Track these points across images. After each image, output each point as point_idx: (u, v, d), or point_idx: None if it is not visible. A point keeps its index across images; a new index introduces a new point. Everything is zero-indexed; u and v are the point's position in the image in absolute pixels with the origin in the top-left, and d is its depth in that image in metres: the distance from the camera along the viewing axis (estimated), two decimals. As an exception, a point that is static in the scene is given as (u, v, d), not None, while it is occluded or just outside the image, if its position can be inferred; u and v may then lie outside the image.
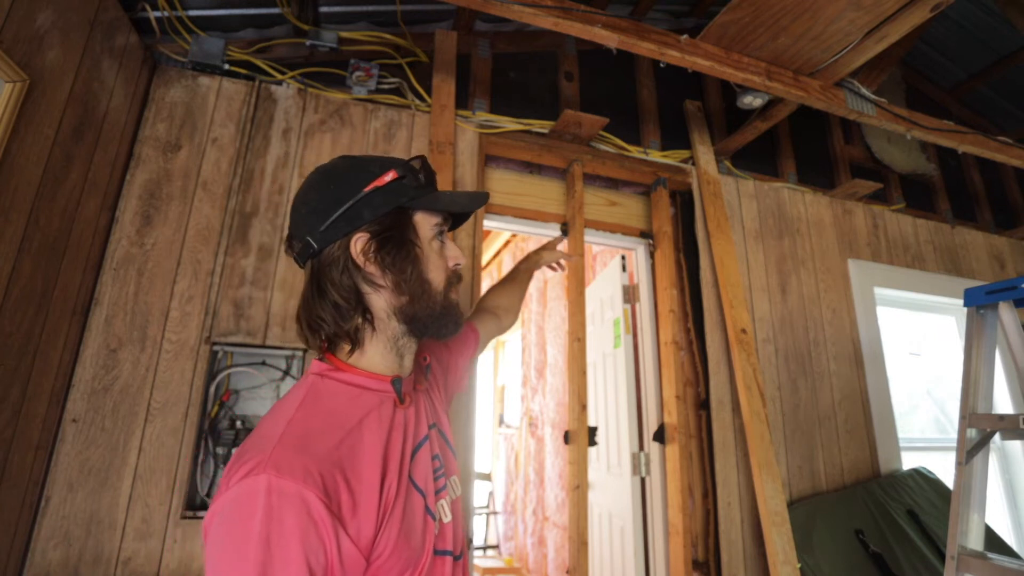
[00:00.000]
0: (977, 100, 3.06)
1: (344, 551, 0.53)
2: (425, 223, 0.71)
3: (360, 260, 0.66)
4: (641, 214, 2.20)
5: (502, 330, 1.18)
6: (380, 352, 0.70)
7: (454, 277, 0.73)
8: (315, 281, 0.68)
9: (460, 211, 0.74)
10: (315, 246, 0.67)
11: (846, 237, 2.45)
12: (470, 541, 1.60)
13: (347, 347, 0.69)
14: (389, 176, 0.67)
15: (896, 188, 2.75)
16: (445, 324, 0.71)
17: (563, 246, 1.72)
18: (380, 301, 0.69)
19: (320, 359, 0.70)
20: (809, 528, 1.80)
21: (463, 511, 0.81)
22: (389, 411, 0.67)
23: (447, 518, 0.70)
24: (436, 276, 0.70)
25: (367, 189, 0.66)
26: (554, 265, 1.32)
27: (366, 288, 0.68)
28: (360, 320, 0.68)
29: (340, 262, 0.66)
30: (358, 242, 0.66)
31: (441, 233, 0.72)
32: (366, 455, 0.60)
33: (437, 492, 0.70)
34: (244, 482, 0.51)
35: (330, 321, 0.67)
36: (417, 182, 0.69)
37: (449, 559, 0.68)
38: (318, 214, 0.67)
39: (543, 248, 1.30)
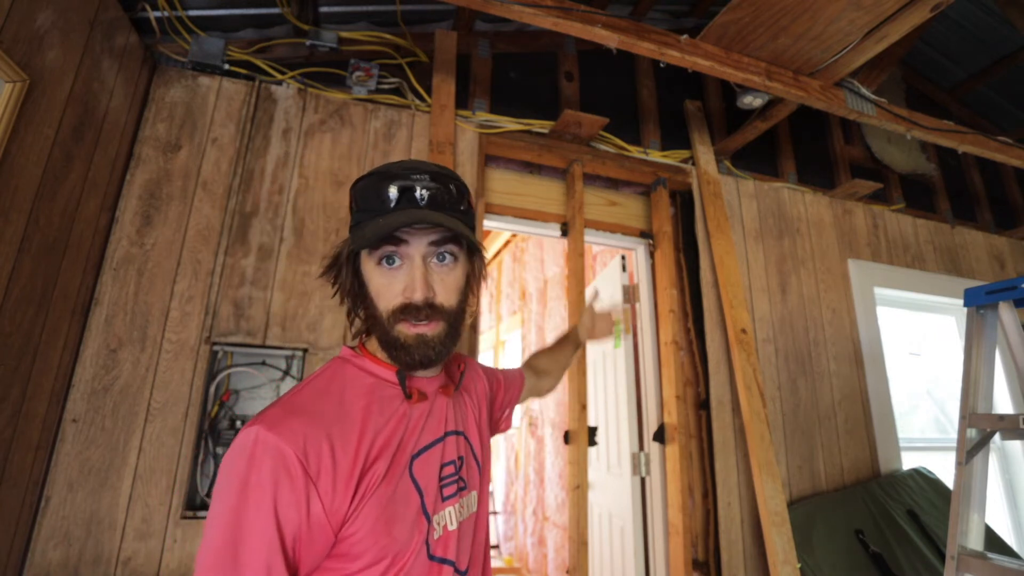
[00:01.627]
0: (977, 100, 3.06)
1: (313, 513, 0.56)
2: (369, 258, 0.68)
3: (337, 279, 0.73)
4: (641, 214, 2.20)
5: (539, 392, 1.19)
6: (379, 347, 0.72)
7: (402, 309, 0.66)
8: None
9: (366, 246, 0.66)
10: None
11: (846, 237, 2.45)
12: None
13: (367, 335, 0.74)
14: (351, 200, 0.72)
15: (896, 188, 2.76)
16: (396, 353, 0.67)
17: (616, 312, 1.58)
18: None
19: (352, 346, 0.74)
20: (809, 528, 1.80)
21: (481, 531, 0.79)
22: (397, 403, 0.69)
23: (452, 526, 0.70)
24: (380, 304, 0.67)
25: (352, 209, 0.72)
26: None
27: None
28: (361, 317, 0.73)
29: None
30: (323, 272, 0.75)
31: (386, 260, 0.66)
32: (357, 432, 0.62)
33: (445, 498, 0.70)
34: (241, 433, 0.58)
35: (353, 308, 0.74)
36: (361, 208, 0.68)
37: (450, 569, 0.68)
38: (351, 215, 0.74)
39: (590, 320, 1.29)
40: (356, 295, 0.70)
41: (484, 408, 0.89)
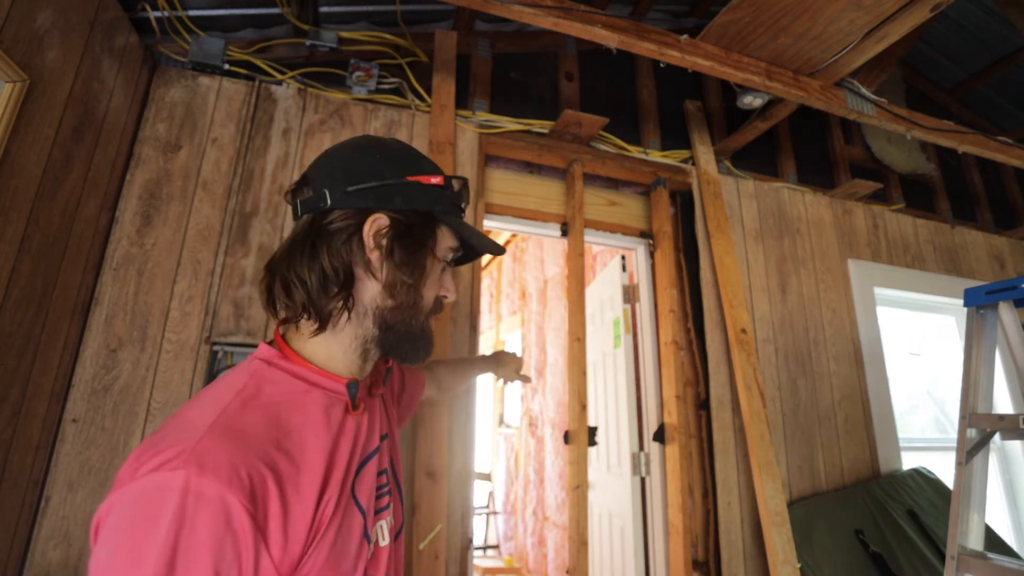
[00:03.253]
0: (977, 100, 3.06)
1: (261, 570, 0.45)
2: (444, 241, 0.67)
3: (369, 242, 0.60)
4: (641, 214, 2.20)
5: (433, 402, 1.17)
6: (344, 346, 0.63)
7: (437, 306, 0.69)
8: (309, 239, 0.60)
9: (476, 248, 0.71)
10: (327, 203, 0.61)
11: (846, 237, 2.45)
12: (471, 541, 1.60)
13: (310, 328, 0.61)
14: (435, 179, 0.64)
15: (896, 188, 2.76)
16: (416, 347, 0.65)
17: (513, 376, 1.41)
18: (367, 294, 0.62)
19: (269, 342, 0.62)
20: (809, 528, 1.80)
21: (402, 542, 0.75)
22: (339, 415, 0.59)
23: (383, 541, 0.64)
24: (428, 296, 0.66)
25: (410, 179, 0.63)
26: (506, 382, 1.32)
27: (360, 273, 0.61)
28: (340, 303, 0.60)
29: (346, 233, 0.60)
30: (376, 221, 0.61)
31: (450, 258, 0.69)
32: (307, 462, 0.52)
33: (378, 512, 0.64)
34: (156, 475, 0.43)
35: (313, 288, 0.59)
36: (455, 199, 0.67)
37: None
38: (350, 174, 0.61)
39: (509, 362, 1.27)
40: (409, 274, 0.62)
41: (396, 402, 0.87)
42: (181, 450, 0.44)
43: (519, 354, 1.37)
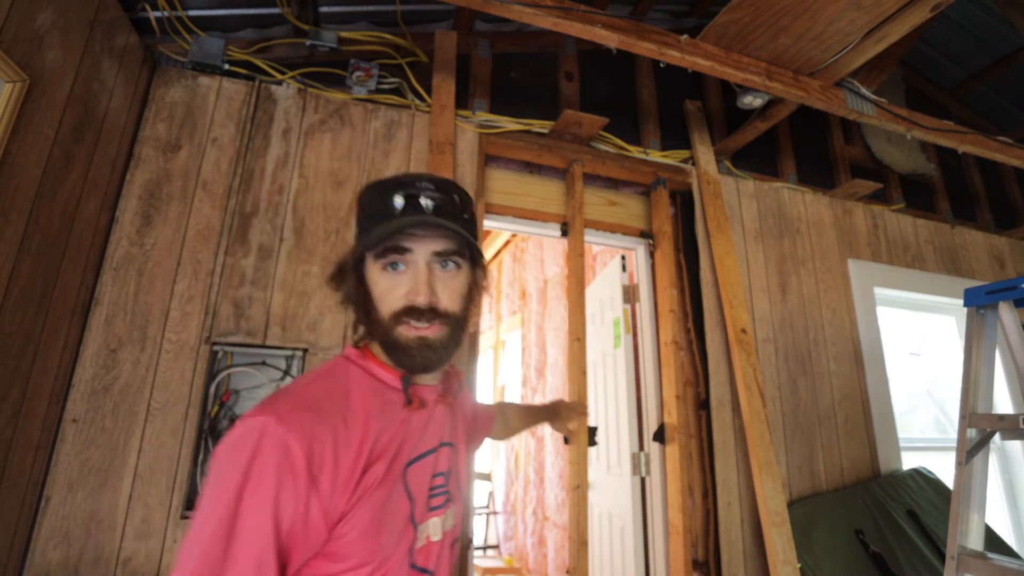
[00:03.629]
0: (977, 100, 3.06)
1: (311, 512, 0.56)
2: (371, 259, 0.69)
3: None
4: (641, 214, 2.20)
5: (495, 438, 1.23)
6: (382, 352, 0.72)
7: (404, 312, 0.67)
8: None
9: (386, 243, 0.67)
10: None
11: (846, 237, 2.45)
12: (471, 541, 1.60)
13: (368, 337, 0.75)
14: (357, 208, 0.73)
15: (896, 188, 2.75)
16: (398, 357, 0.68)
17: (574, 424, 1.66)
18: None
19: (356, 345, 0.74)
20: (809, 528, 1.80)
21: (456, 547, 0.80)
22: (398, 408, 0.69)
23: (436, 537, 0.70)
24: (383, 308, 0.68)
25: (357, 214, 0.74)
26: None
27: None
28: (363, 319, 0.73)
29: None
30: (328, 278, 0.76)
31: (391, 265, 0.68)
32: (360, 433, 0.62)
33: (432, 508, 0.71)
34: (248, 420, 0.57)
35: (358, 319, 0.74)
36: (365, 215, 0.71)
37: None
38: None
39: (566, 415, 1.38)
40: (360, 301, 0.70)
41: (468, 424, 0.92)
42: (266, 407, 0.59)
43: (573, 403, 1.46)
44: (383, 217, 0.68)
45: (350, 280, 0.71)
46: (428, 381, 0.75)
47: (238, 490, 0.53)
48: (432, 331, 0.67)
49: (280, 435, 0.55)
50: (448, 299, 0.69)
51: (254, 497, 0.53)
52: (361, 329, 0.74)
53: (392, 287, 0.68)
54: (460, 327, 0.71)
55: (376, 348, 0.73)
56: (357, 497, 0.60)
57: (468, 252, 0.72)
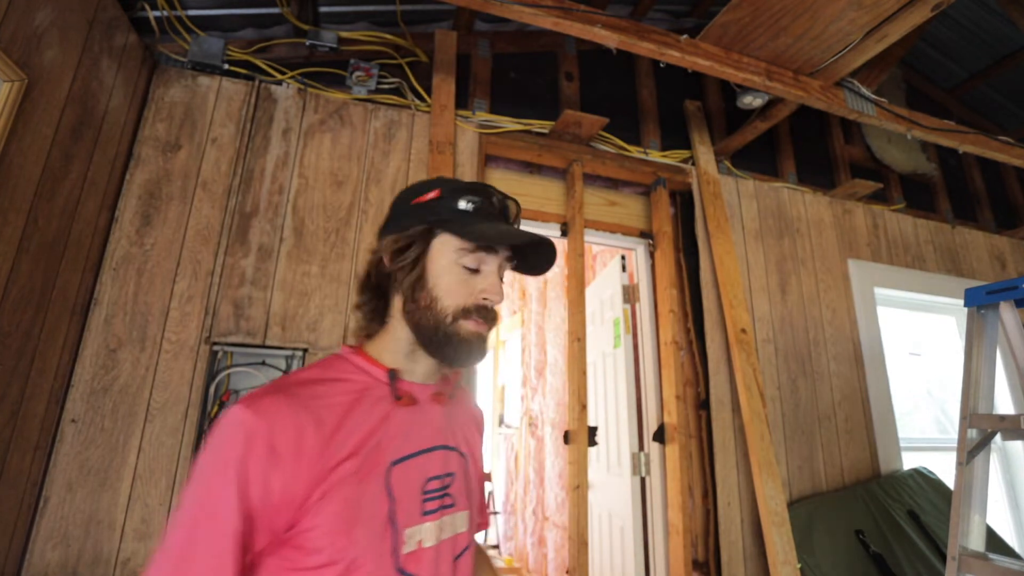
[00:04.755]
0: (978, 100, 3.06)
1: (272, 488, 0.57)
2: (447, 247, 0.71)
3: (387, 259, 0.74)
4: (641, 214, 2.20)
5: None
6: (389, 346, 0.74)
7: (475, 309, 0.70)
8: (367, 267, 0.77)
9: (489, 243, 0.71)
10: (378, 239, 0.77)
11: (846, 237, 2.45)
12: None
13: (376, 330, 0.76)
14: (431, 195, 0.73)
15: (896, 188, 2.75)
16: (445, 348, 0.70)
17: None
18: (396, 303, 0.75)
19: (351, 345, 0.76)
20: (809, 528, 1.79)
21: (468, 554, 0.76)
22: (386, 405, 0.69)
23: (428, 543, 0.68)
24: (448, 298, 0.70)
25: (413, 203, 0.74)
26: None
27: (385, 285, 0.76)
28: (382, 307, 0.75)
29: (377, 257, 0.75)
30: (388, 244, 0.74)
31: (474, 263, 0.71)
32: (334, 424, 0.63)
33: (425, 513, 0.68)
34: (229, 410, 0.60)
35: (366, 301, 0.76)
36: (454, 206, 0.72)
37: None
38: (387, 215, 0.78)
39: None
40: (414, 280, 0.71)
41: (474, 433, 0.87)
42: (248, 395, 0.62)
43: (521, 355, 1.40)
44: (488, 216, 0.72)
45: (411, 254, 0.71)
46: (421, 379, 0.75)
47: (208, 472, 0.57)
48: (487, 329, 0.72)
49: (245, 418, 0.58)
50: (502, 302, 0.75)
51: (221, 476, 0.56)
52: (354, 320, 0.75)
53: (466, 281, 0.71)
54: None
55: (374, 345, 0.75)
56: (324, 489, 0.60)
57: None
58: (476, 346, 0.71)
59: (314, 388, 0.65)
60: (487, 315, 0.71)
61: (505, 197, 0.76)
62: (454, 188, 0.73)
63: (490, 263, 0.72)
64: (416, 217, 0.73)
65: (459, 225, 0.71)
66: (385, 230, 0.76)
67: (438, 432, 0.75)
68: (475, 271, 0.72)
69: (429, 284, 0.71)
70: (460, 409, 0.85)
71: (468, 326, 0.70)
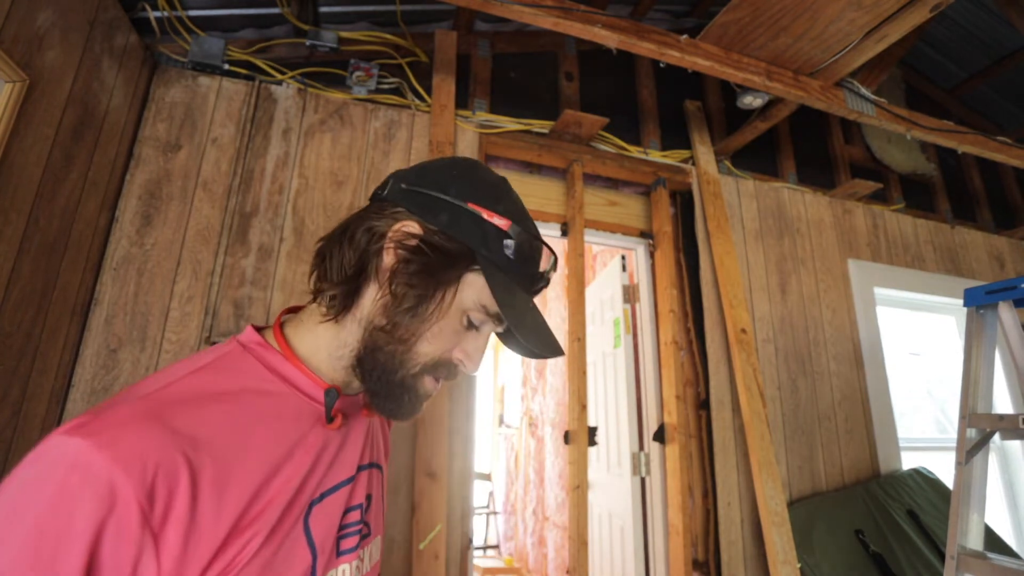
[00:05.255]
0: (977, 100, 3.06)
1: None
2: (471, 290, 0.55)
3: (391, 241, 0.53)
4: (641, 214, 2.20)
5: None
6: (331, 345, 0.56)
7: (443, 368, 0.56)
8: (355, 218, 0.57)
9: (509, 336, 0.58)
10: (384, 192, 0.58)
11: (846, 237, 2.45)
12: (471, 541, 1.60)
13: (317, 312, 0.56)
14: (499, 221, 0.54)
15: (896, 188, 2.76)
16: (388, 397, 0.54)
17: None
18: (368, 298, 0.55)
19: (260, 328, 0.56)
20: (809, 528, 1.80)
21: None
22: (307, 425, 0.52)
23: None
24: (431, 345, 0.54)
25: (471, 205, 0.54)
26: None
27: (370, 271, 0.55)
28: (345, 289, 0.55)
29: (377, 223, 0.54)
30: (408, 226, 0.53)
31: (479, 322, 0.57)
32: (247, 465, 0.45)
33: (342, 553, 0.54)
34: (60, 438, 0.38)
35: (332, 264, 0.55)
36: (514, 257, 0.55)
37: None
38: (419, 175, 0.57)
39: None
40: (414, 303, 0.53)
41: (384, 436, 0.73)
42: (93, 418, 0.39)
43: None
44: (530, 278, 0.57)
45: (438, 273, 0.53)
46: (355, 390, 0.59)
47: (23, 559, 0.35)
48: (430, 385, 0.58)
49: (99, 468, 0.37)
50: None
51: (58, 557, 0.35)
52: (312, 278, 0.57)
53: (457, 334, 0.56)
54: None
55: (306, 339, 0.56)
56: (226, 563, 0.42)
57: None
58: (421, 403, 0.57)
59: (205, 410, 0.45)
60: (449, 375, 0.57)
61: (554, 264, 0.60)
62: (523, 232, 0.56)
63: (488, 327, 0.58)
64: (465, 229, 0.54)
65: (503, 286, 0.54)
66: (409, 199, 0.55)
67: (361, 450, 0.60)
68: (473, 328, 0.57)
69: (422, 316, 0.53)
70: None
71: (428, 385, 0.56)
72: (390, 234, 0.53)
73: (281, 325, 0.57)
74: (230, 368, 0.50)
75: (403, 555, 1.46)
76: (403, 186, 0.56)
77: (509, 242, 0.54)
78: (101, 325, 1.40)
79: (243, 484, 0.44)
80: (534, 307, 0.59)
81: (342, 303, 0.54)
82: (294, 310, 0.60)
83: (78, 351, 1.37)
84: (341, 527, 0.54)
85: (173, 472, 0.40)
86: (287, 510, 0.47)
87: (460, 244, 0.53)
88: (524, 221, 0.57)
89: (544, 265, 0.59)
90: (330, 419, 0.53)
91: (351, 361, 0.55)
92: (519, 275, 0.56)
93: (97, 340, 1.38)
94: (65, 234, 1.27)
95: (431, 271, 0.53)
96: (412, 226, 0.53)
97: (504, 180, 0.61)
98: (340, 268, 0.54)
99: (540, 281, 0.59)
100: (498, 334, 0.62)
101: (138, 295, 1.44)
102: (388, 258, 0.53)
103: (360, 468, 0.58)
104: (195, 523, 0.40)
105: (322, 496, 0.51)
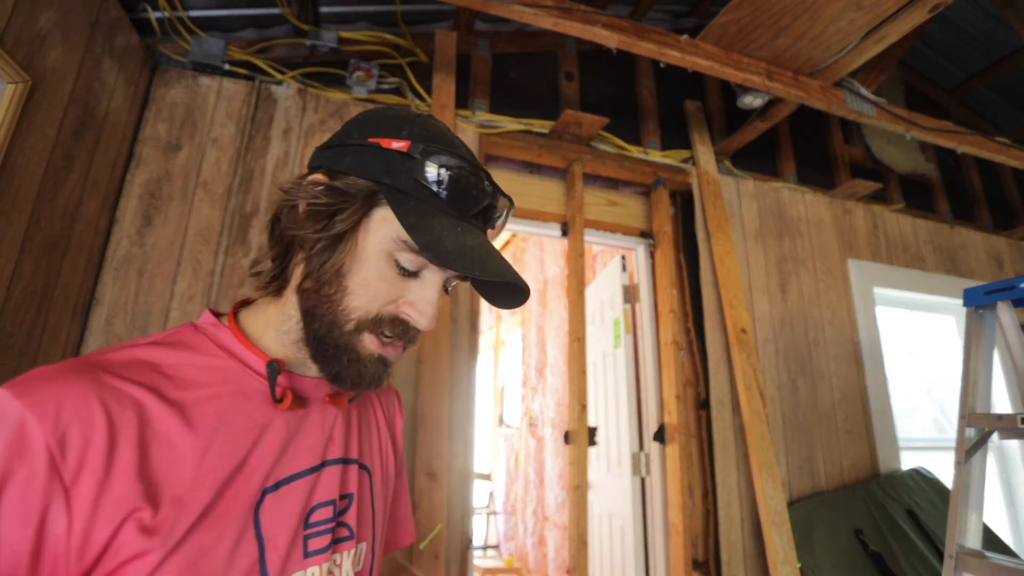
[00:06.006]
0: (976, 100, 3.06)
1: (48, 533, 0.37)
2: (387, 227, 0.49)
3: (302, 208, 0.51)
4: (641, 214, 2.20)
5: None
6: (276, 323, 0.53)
7: (389, 322, 0.50)
8: (276, 208, 0.55)
9: (442, 265, 0.48)
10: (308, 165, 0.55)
11: (846, 237, 2.45)
12: (471, 541, 1.61)
13: (268, 291, 0.55)
14: (397, 143, 0.49)
15: (896, 188, 2.76)
16: (331, 361, 0.50)
17: None
18: (297, 268, 0.53)
19: (216, 312, 0.55)
20: (809, 528, 1.80)
21: None
22: (254, 404, 0.50)
23: None
24: (360, 297, 0.49)
25: (371, 140, 0.51)
26: None
27: (295, 240, 0.53)
28: (274, 260, 0.54)
29: (295, 188, 0.52)
30: (313, 179, 0.51)
31: (413, 265, 0.51)
32: (179, 433, 0.43)
33: (310, 553, 0.50)
34: None
35: (273, 258, 0.54)
36: (421, 173, 0.49)
37: None
38: (333, 135, 0.55)
39: None
40: (325, 258, 0.50)
41: (387, 440, 0.67)
42: (21, 377, 0.40)
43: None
44: (462, 206, 0.51)
45: (339, 218, 0.49)
46: (316, 372, 0.54)
47: None
48: (396, 350, 0.53)
49: (13, 414, 0.37)
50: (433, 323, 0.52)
51: None
52: (260, 285, 0.55)
53: (392, 283, 0.50)
54: None
55: (255, 318, 0.54)
56: (155, 539, 0.40)
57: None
58: (371, 371, 0.51)
59: (141, 375, 0.44)
60: (403, 335, 0.51)
61: (496, 190, 0.54)
62: (429, 147, 0.50)
63: (434, 271, 0.52)
64: (366, 164, 0.50)
65: (415, 211, 0.49)
66: (320, 157, 0.53)
67: (332, 443, 0.55)
68: (411, 274, 0.51)
69: (344, 267, 0.49)
70: (369, 408, 0.66)
71: (369, 344, 0.50)
72: (302, 189, 0.51)
73: (236, 311, 0.57)
74: (178, 344, 0.49)
75: (403, 555, 1.46)
76: (318, 150, 0.55)
77: (415, 164, 0.49)
78: (102, 325, 1.40)
79: (171, 452, 0.43)
80: (476, 235, 0.52)
81: (272, 274, 0.54)
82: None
83: (79, 351, 1.37)
84: (307, 524, 0.50)
85: (89, 423, 0.39)
86: (226, 490, 0.45)
87: (362, 182, 0.50)
88: (436, 142, 0.51)
89: (472, 174, 0.51)
90: (275, 396, 0.50)
91: (299, 335, 0.52)
92: (440, 199, 0.50)
93: (98, 340, 1.38)
94: (66, 234, 1.27)
95: (334, 214, 0.50)
96: (317, 177, 0.51)
97: (422, 114, 0.55)
98: (269, 241, 0.55)
99: (476, 204, 0.52)
100: (474, 285, 0.58)
101: (138, 295, 1.44)
102: (300, 219, 0.51)
103: (329, 462, 0.54)
104: (109, 478, 0.39)
105: (276, 485, 0.48)
